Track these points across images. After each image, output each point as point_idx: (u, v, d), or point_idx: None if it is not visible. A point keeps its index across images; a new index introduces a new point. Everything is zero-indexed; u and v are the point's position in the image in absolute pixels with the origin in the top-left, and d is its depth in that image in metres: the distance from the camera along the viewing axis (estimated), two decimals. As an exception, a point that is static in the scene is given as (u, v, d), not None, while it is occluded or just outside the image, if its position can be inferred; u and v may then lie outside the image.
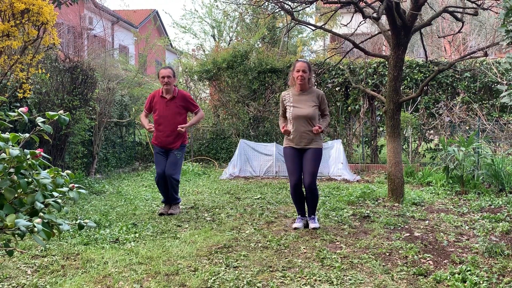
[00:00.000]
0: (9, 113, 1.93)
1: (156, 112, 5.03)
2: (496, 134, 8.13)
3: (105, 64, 9.07)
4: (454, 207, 5.38)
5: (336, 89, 9.89)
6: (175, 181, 4.96)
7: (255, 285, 2.87)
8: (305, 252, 3.56)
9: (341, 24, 7.16)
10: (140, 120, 5.24)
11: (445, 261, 3.35)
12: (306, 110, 4.26)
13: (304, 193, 4.35)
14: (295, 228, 4.28)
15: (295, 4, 5.79)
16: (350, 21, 6.28)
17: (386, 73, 9.30)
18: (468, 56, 6.31)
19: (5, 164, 1.75)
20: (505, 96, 3.54)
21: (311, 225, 4.29)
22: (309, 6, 5.91)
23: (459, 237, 4.03)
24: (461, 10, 5.79)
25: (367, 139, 9.67)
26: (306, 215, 4.42)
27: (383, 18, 6.14)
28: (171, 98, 5.00)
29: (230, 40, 15.37)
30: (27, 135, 1.93)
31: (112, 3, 45.81)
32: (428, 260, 3.37)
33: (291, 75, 4.41)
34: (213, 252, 3.54)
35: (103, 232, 4.07)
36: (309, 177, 4.23)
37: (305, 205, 4.42)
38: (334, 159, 8.32)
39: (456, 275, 2.97)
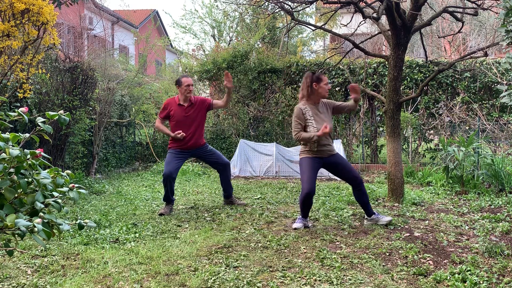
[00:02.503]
0: (9, 113, 1.93)
1: (175, 120, 5.14)
2: (496, 134, 8.14)
3: (105, 64, 9.07)
4: (454, 207, 5.38)
5: (336, 89, 9.89)
6: (229, 166, 5.38)
7: (255, 285, 2.87)
8: (305, 252, 3.56)
9: (341, 24, 7.16)
10: (159, 129, 5.30)
11: (445, 261, 3.35)
12: (329, 125, 4.30)
13: (355, 192, 4.42)
14: (295, 228, 4.28)
15: (295, 4, 5.79)
16: (350, 21, 6.29)
17: (386, 73, 9.30)
18: (468, 56, 6.31)
19: (5, 164, 1.75)
20: (505, 96, 3.54)
21: (386, 219, 4.39)
22: (309, 6, 5.91)
23: (459, 237, 4.03)
24: (461, 10, 5.79)
25: (367, 139, 9.67)
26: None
27: (383, 18, 6.15)
28: (189, 105, 5.17)
29: (230, 40, 15.37)
30: (27, 135, 1.93)
31: (112, 3, 45.84)
32: (428, 260, 3.37)
33: (315, 86, 4.31)
34: (213, 252, 3.54)
35: (103, 232, 4.08)
36: (356, 173, 4.37)
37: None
38: (334, 159, 8.31)
39: (456, 275, 2.97)
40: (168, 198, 5.12)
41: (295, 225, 4.32)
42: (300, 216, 4.40)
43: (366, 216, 4.52)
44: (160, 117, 5.29)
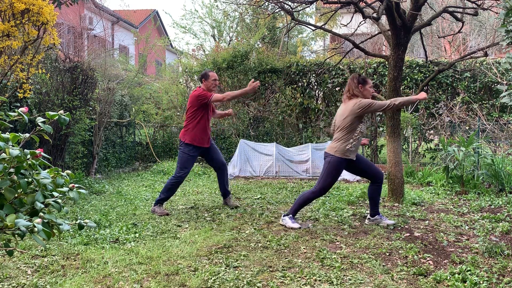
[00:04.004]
0: (9, 113, 1.93)
1: (209, 112, 5.16)
2: (496, 134, 8.13)
3: (105, 64, 9.07)
4: (454, 207, 5.38)
5: (336, 89, 9.88)
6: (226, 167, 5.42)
7: (255, 285, 2.87)
8: (305, 252, 3.56)
9: (341, 24, 7.17)
10: (228, 95, 5.11)
11: (445, 261, 3.35)
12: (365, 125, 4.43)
13: (375, 189, 4.47)
14: (298, 228, 4.27)
15: (295, 4, 5.79)
16: (350, 21, 6.29)
17: (386, 73, 9.30)
18: (468, 56, 6.31)
19: (5, 164, 1.75)
20: (505, 96, 3.54)
21: (390, 222, 4.43)
22: (309, 6, 5.91)
23: (459, 237, 4.03)
24: (461, 10, 5.79)
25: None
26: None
27: (383, 18, 6.15)
28: None
29: (230, 40, 15.36)
30: (27, 135, 1.93)
31: (112, 3, 45.83)
32: (428, 260, 3.37)
33: (360, 88, 4.32)
34: (213, 252, 3.54)
35: (103, 232, 4.07)
36: (379, 168, 4.46)
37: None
38: (334, 159, 8.30)
39: (456, 275, 2.97)
40: (167, 200, 5.14)
41: (293, 225, 4.31)
42: (291, 215, 4.39)
43: (368, 216, 4.52)
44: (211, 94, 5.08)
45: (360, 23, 5.88)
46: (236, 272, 3.10)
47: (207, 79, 5.19)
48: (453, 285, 2.84)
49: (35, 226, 1.67)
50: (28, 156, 1.81)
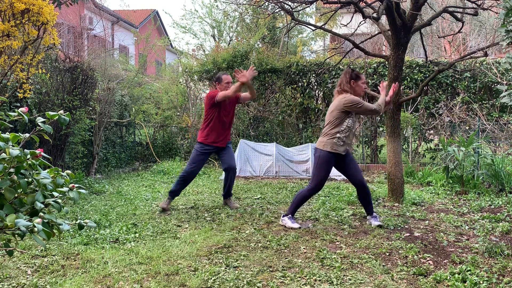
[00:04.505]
0: (9, 113, 1.93)
1: (222, 112, 5.21)
2: (496, 134, 8.13)
3: (105, 64, 9.07)
4: (454, 207, 5.38)
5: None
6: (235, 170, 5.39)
7: (255, 285, 2.87)
8: (305, 252, 3.56)
9: (341, 24, 7.17)
10: (228, 91, 5.14)
11: (445, 261, 3.35)
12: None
13: (357, 191, 4.46)
14: (298, 228, 4.27)
15: (295, 4, 5.79)
16: (350, 21, 6.29)
17: (386, 73, 9.30)
18: (468, 56, 6.31)
19: (5, 164, 1.75)
20: (505, 96, 3.54)
21: (376, 223, 4.37)
22: (309, 6, 5.91)
23: (459, 237, 4.03)
24: (461, 10, 5.79)
25: (367, 139, 9.67)
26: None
27: (383, 18, 6.15)
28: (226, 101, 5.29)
29: (230, 40, 15.36)
30: (27, 135, 1.93)
31: (112, 3, 45.82)
32: (428, 260, 3.37)
33: (353, 84, 4.32)
34: (213, 252, 3.54)
35: (103, 232, 4.08)
36: (360, 175, 4.40)
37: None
38: (334, 159, 8.30)
39: (456, 275, 2.97)
40: (179, 192, 5.24)
41: (293, 225, 4.31)
42: (290, 215, 4.39)
43: (366, 216, 4.55)
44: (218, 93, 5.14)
45: (360, 23, 5.88)
46: (236, 272, 3.10)
47: (220, 82, 5.29)
48: (453, 285, 2.84)
49: (35, 226, 1.67)
50: (28, 156, 1.81)
